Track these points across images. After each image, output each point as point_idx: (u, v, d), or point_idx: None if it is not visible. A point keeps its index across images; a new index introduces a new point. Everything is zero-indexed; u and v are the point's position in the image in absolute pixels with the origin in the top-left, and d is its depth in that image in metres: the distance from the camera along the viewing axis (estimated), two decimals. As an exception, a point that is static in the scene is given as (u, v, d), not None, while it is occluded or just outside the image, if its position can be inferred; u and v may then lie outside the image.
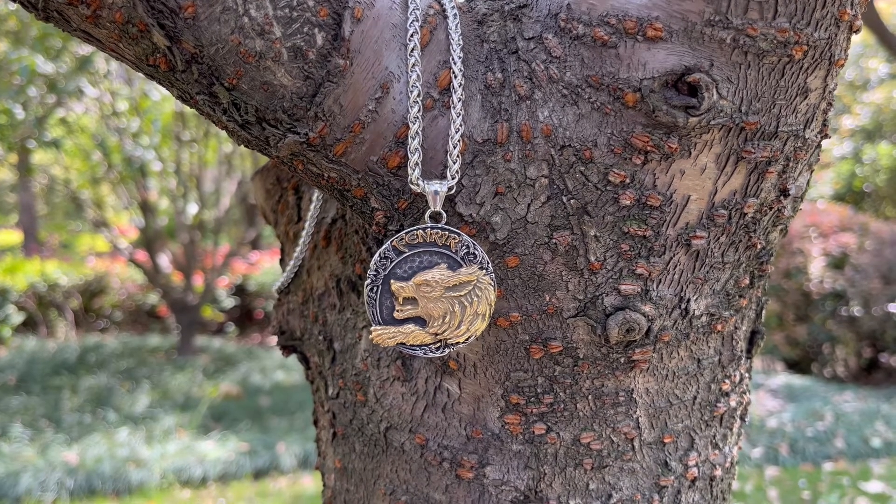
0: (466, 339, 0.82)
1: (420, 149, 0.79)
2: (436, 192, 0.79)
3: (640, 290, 0.86)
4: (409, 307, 0.81)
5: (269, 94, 0.77)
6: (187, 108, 9.00)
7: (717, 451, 1.02)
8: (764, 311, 1.03)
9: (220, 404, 7.32)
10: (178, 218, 8.99)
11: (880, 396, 6.95)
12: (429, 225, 0.80)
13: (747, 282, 0.94)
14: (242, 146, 0.88)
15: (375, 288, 0.81)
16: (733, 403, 1.02)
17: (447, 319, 0.81)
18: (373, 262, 0.81)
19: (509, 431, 0.94)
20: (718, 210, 0.85)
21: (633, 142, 0.80)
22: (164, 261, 9.24)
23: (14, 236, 12.07)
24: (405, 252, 0.81)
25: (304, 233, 1.11)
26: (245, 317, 10.84)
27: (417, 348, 0.82)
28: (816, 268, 7.64)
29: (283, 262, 1.24)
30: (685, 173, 0.82)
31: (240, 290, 10.66)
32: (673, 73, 0.77)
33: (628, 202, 0.82)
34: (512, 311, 0.87)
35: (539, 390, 0.92)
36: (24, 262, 10.52)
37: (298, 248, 1.13)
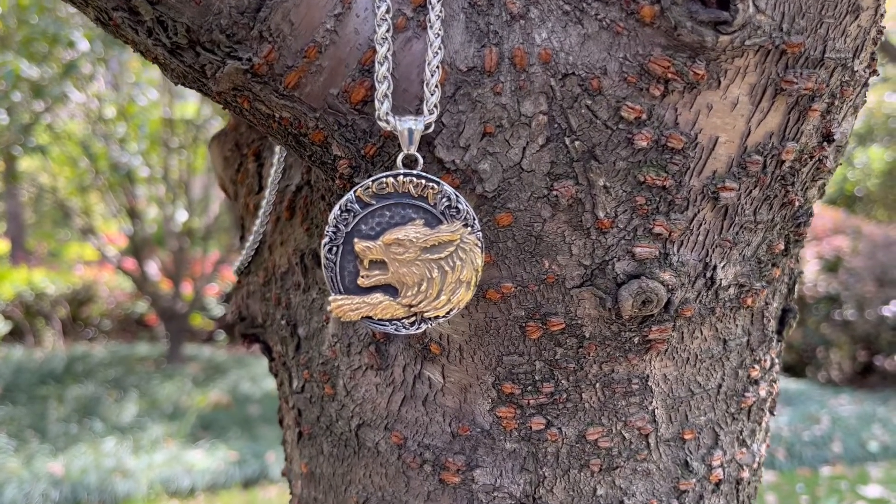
0: (447, 313, 0.67)
1: (390, 77, 0.65)
2: (410, 131, 0.64)
3: (658, 253, 0.72)
4: (376, 272, 0.66)
5: (202, 9, 0.63)
6: (176, 114, 8.85)
7: (744, 450, 0.88)
8: (797, 286, 0.88)
9: (210, 413, 7.16)
10: (166, 225, 8.84)
11: (876, 400, 6.84)
12: (401, 171, 0.65)
13: (782, 247, 0.79)
14: (179, 84, 0.73)
15: (335, 248, 0.66)
16: (763, 393, 0.87)
17: (423, 288, 0.66)
18: (332, 216, 0.66)
19: (502, 427, 0.79)
20: (752, 156, 0.70)
21: (651, 68, 0.65)
22: (153, 268, 9.08)
23: (1, 245, 11.90)
24: (372, 205, 0.66)
25: (264, 202, 0.97)
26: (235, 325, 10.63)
27: (387, 323, 0.67)
28: (810, 271, 7.52)
29: (243, 239, 1.09)
30: (713, 109, 0.67)
31: (229, 298, 10.46)
32: (699, -21, 0.62)
33: (645, 144, 0.67)
34: (504, 281, 0.72)
35: (537, 377, 0.77)
36: (10, 271, 10.34)
37: (258, 221, 0.98)
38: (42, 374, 8.38)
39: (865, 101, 0.78)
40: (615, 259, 0.71)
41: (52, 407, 7.32)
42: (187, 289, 9.27)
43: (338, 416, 0.88)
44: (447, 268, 0.66)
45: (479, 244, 0.66)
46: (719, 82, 0.66)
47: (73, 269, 11.26)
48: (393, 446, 0.84)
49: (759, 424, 0.89)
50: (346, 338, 0.87)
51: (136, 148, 7.92)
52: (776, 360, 0.88)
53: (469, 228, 0.66)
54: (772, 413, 0.92)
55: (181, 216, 9.06)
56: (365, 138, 0.68)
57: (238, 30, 0.63)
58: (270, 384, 8.52)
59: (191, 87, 0.72)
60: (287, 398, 0.98)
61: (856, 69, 0.72)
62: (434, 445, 0.82)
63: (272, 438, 6.39)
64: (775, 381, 0.90)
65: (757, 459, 0.90)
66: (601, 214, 0.69)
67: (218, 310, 10.22)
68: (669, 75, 0.65)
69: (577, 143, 0.67)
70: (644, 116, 0.66)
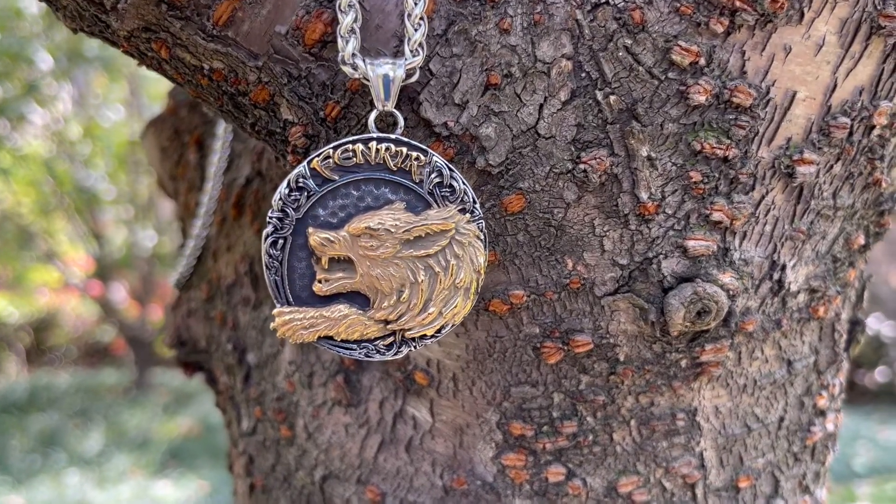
0: (438, 331, 0.49)
1: (357, 6, 0.47)
2: (386, 79, 0.46)
3: (716, 248, 0.54)
4: (339, 275, 0.48)
5: None
6: (143, 132, 8.66)
7: (807, 498, 0.70)
8: (866, 293, 0.71)
9: (179, 443, 6.89)
10: (134, 248, 8.58)
11: (859, 416, 6.73)
12: (374, 136, 0.47)
13: (861, 241, 0.62)
14: (77, 31, 0.54)
15: (280, 241, 0.48)
16: (830, 427, 0.70)
17: (405, 296, 0.48)
18: (276, 197, 0.48)
19: (509, 479, 0.61)
20: (837, 118, 0.53)
21: (713, -7, 0.48)
22: (120, 293, 8.80)
23: (-38, 271, 11.54)
24: (333, 181, 0.48)
25: (204, 199, 0.78)
26: (207, 350, 10.35)
27: (354, 346, 0.49)
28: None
29: (184, 246, 0.90)
30: (791, 52, 0.50)
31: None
32: None
33: (702, 99, 0.50)
34: (513, 288, 0.54)
35: (555, 414, 0.59)
36: (-29, 298, 9.99)
37: (199, 222, 0.79)
38: (4, 404, 8.06)
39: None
40: (661, 256, 0.54)
41: (14, 438, 7.01)
42: (156, 314, 9.00)
43: (298, 465, 0.69)
44: (437, 268, 0.47)
45: (481, 236, 0.48)
46: (802, 14, 0.49)
47: (36, 295, 10.92)
48: (368, 503, 0.65)
49: (823, 465, 0.72)
50: (306, 365, 0.68)
51: (102, 169, 7.69)
52: (843, 384, 0.71)
53: (467, 215, 0.48)
54: (833, 450, 0.75)
55: (149, 239, 8.82)
56: (325, 94, 0.50)
57: (145, -61, 0.45)
58: (242, 411, 8.23)
59: (91, 33, 0.54)
60: (236, 441, 0.78)
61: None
62: (421, 503, 0.63)
63: (243, 468, 6.14)
64: (839, 412, 0.73)
65: (820, 509, 0.72)
66: (644, 196, 0.52)
67: (188, 335, 9.91)
68: (738, 3, 0.48)
69: (611, 98, 0.50)
70: (702, 62, 0.49)
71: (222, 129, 0.75)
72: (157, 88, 8.22)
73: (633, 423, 0.60)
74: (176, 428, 7.38)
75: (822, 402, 0.67)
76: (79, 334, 10.36)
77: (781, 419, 0.65)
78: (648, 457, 0.61)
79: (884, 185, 0.60)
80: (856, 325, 0.70)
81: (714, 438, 0.62)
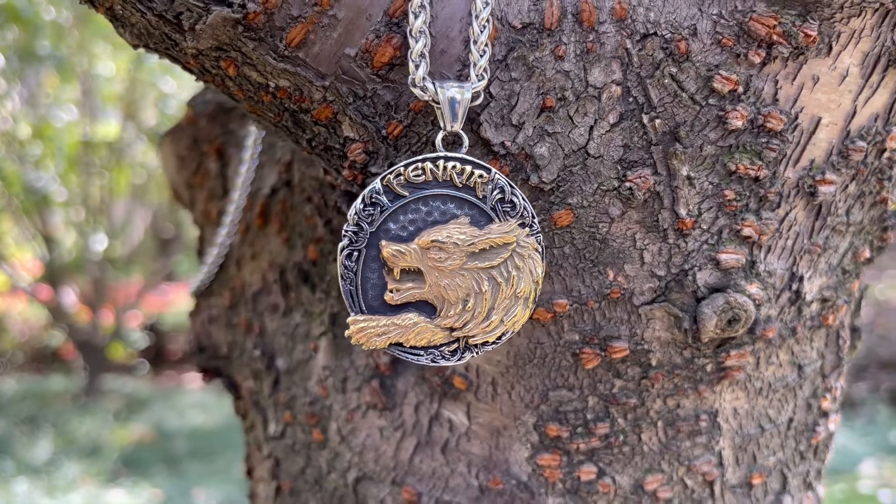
0: (499, 337, 0.52)
1: (427, 33, 0.50)
2: (453, 101, 0.49)
3: (745, 261, 0.58)
4: (409, 285, 0.51)
5: (180, -66, 0.47)
6: (97, 134, 8.49)
7: (810, 494, 0.75)
8: (863, 302, 0.77)
9: (132, 450, 6.75)
10: (85, 251, 8.39)
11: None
12: (442, 154, 0.50)
13: (867, 255, 0.67)
14: (139, 46, 0.56)
15: (355, 253, 0.50)
16: (832, 427, 0.75)
17: (470, 305, 0.51)
18: (352, 212, 0.50)
19: (543, 478, 0.64)
20: (855, 142, 0.58)
21: (752, 27, 0.52)
22: (70, 297, 8.60)
23: None
24: (404, 196, 0.50)
25: (231, 209, 0.80)
26: (159, 355, 10.20)
27: (421, 352, 0.52)
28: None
29: (202, 253, 0.92)
30: (819, 82, 0.55)
31: (153, 327, 10.06)
32: (818, -85, 0.50)
33: (739, 124, 0.54)
34: (557, 297, 0.58)
35: (589, 416, 0.62)
36: (-88, 302, 9.66)
37: (224, 231, 0.81)
38: (-53, 412, 7.80)
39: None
40: (696, 268, 0.58)
41: (-42, 447, 6.80)
42: (107, 318, 8.81)
43: (330, 468, 0.72)
44: (500, 279, 0.51)
45: (539, 249, 0.52)
46: (830, 48, 0.54)
47: (-18, 299, 10.59)
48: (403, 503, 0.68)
49: (823, 463, 0.76)
50: (340, 371, 0.71)
51: (53, 170, 7.52)
52: (843, 387, 0.76)
53: (527, 229, 0.51)
54: (831, 449, 0.80)
55: (101, 242, 8.64)
56: (388, 114, 0.53)
57: (229, -35, 0.48)
58: (197, 418, 8.15)
59: (155, 50, 0.56)
60: (260, 445, 0.80)
61: (963, 42, 0.60)
62: (457, 502, 0.66)
63: (199, 475, 6.06)
64: (838, 413, 0.78)
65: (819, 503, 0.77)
66: (683, 212, 0.56)
67: (141, 340, 9.77)
68: (775, 37, 0.52)
69: (657, 121, 0.54)
70: (740, 89, 0.53)
71: (251, 140, 0.77)
72: (110, 89, 8.07)
73: (660, 424, 0.64)
74: (128, 435, 7.24)
75: (826, 404, 0.72)
76: (26, 339, 10.08)
77: (791, 420, 0.70)
78: (672, 456, 0.65)
79: (890, 203, 0.65)
80: (854, 331, 0.76)
81: (732, 438, 0.66)
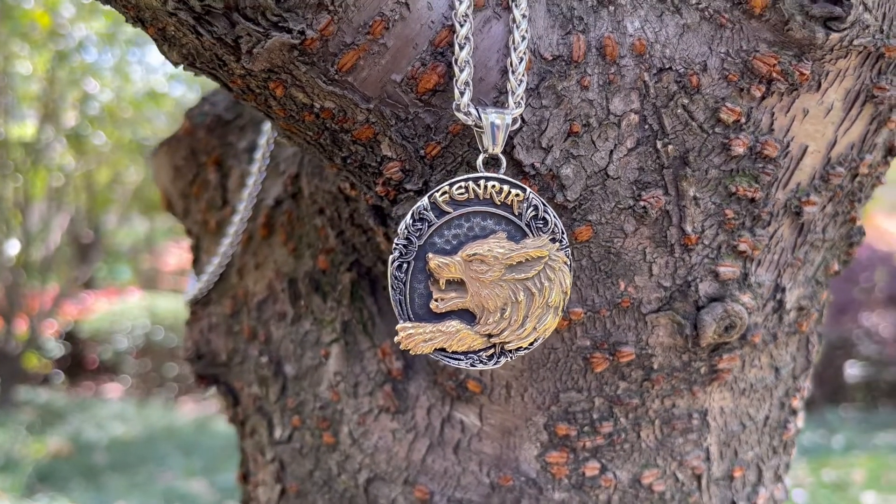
0: (532, 343, 0.57)
1: (470, 63, 0.54)
2: (494, 126, 0.54)
3: (740, 273, 0.65)
4: (452, 294, 0.55)
5: (248, -35, 0.50)
6: (12, 134, 8.15)
7: (779, 485, 0.82)
8: (825, 310, 0.84)
9: (48, 463, 6.50)
10: (-2, 256, 8.04)
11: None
12: (484, 175, 0.55)
13: (836, 268, 0.75)
14: (184, 65, 0.59)
15: (405, 266, 0.54)
16: (799, 424, 0.82)
17: (507, 313, 0.55)
18: (402, 227, 0.54)
19: (551, 475, 0.69)
20: (835, 167, 0.65)
21: (756, 65, 0.58)
22: (-19, 304, 8.22)
23: None
24: (449, 213, 0.54)
25: (236, 219, 0.82)
26: (76, 365, 9.84)
27: (461, 356, 0.56)
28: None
29: (197, 262, 0.93)
30: (808, 114, 0.62)
31: (70, 336, 9.70)
32: (814, -32, 0.56)
33: (741, 150, 0.60)
34: (574, 306, 0.63)
35: (595, 416, 0.67)
36: None
37: (228, 241, 0.83)
38: None
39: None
40: (698, 280, 0.63)
41: None
42: (21, 327, 8.45)
43: (340, 470, 0.75)
44: (534, 290, 0.55)
45: (569, 262, 0.56)
46: (819, 85, 0.60)
47: None
48: (415, 502, 0.71)
49: (790, 457, 0.84)
50: (351, 376, 0.74)
51: (-36, 171, 7.21)
52: (810, 388, 0.84)
53: (558, 244, 0.56)
54: (795, 445, 0.87)
55: (14, 247, 8.30)
56: (427, 135, 0.57)
57: (292, -6, 0.51)
58: (117, 429, 7.91)
59: (200, 70, 0.59)
60: (262, 449, 0.82)
61: (923, 81, 0.68)
62: (468, 500, 0.70)
63: (121, 488, 5.89)
64: (804, 411, 0.85)
65: (785, 495, 0.84)
66: (689, 229, 0.61)
67: (57, 349, 9.40)
68: (774, 74, 0.58)
69: (669, 147, 0.59)
70: (742, 120, 0.60)
71: (259, 154, 0.80)
72: (25, 89, 7.78)
73: (657, 422, 0.69)
74: (44, 448, 6.97)
75: (796, 403, 0.80)
76: (-70, 349, 9.56)
77: (767, 417, 0.77)
78: (667, 452, 0.71)
79: (856, 221, 0.72)
80: (819, 337, 0.83)
81: (718, 435, 0.73)
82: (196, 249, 0.93)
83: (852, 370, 7.22)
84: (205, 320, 0.88)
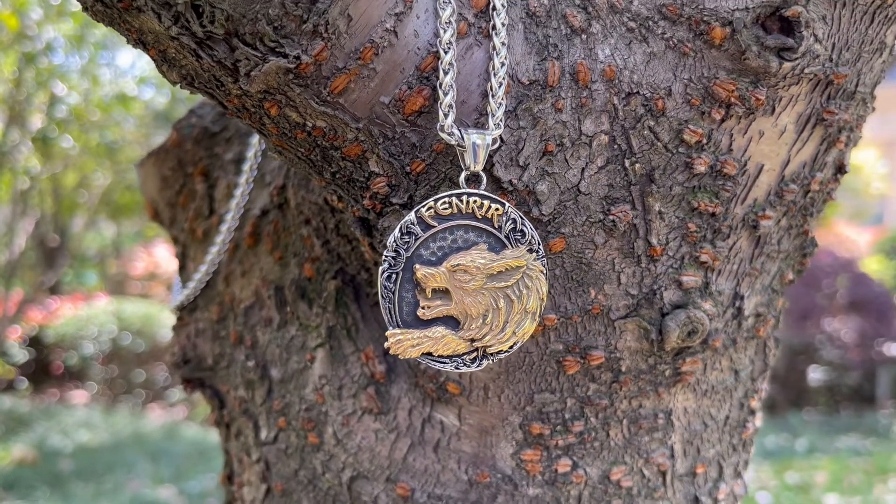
0: (511, 347, 0.61)
1: (454, 87, 0.58)
2: (475, 146, 0.58)
3: (701, 282, 0.70)
4: (438, 302, 0.59)
5: (249, -5, 0.53)
6: (-24, 137, 8.02)
7: (738, 482, 0.87)
8: (782, 316, 0.90)
9: (12, 471, 6.41)
10: (-39, 260, 7.93)
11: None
12: (466, 191, 0.59)
13: (790, 277, 0.80)
14: (182, 85, 0.62)
15: (395, 276, 0.58)
16: (757, 423, 0.87)
17: (489, 319, 0.59)
18: (391, 240, 0.58)
19: (525, 472, 0.73)
20: (788, 184, 0.70)
21: (716, 91, 0.63)
22: (-57, 309, 8.09)
23: None
24: (433, 227, 0.59)
25: (223, 228, 0.85)
26: (41, 371, 9.70)
27: (447, 360, 0.60)
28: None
29: (183, 269, 0.96)
30: (764, 136, 0.67)
31: (35, 342, 9.56)
32: (769, 4, 0.61)
33: (703, 169, 0.65)
34: (547, 313, 0.67)
35: (567, 416, 0.72)
36: None
37: (215, 249, 0.86)
38: None
39: (860, 138, 0.81)
40: (662, 288, 0.68)
41: None
42: (-16, 332, 8.32)
43: (325, 469, 0.78)
44: (513, 297, 0.59)
45: (545, 271, 0.61)
46: (773, 109, 0.65)
47: None
48: (397, 499, 0.75)
49: (749, 455, 0.89)
50: (336, 379, 0.78)
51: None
52: (766, 390, 0.89)
53: (535, 254, 0.60)
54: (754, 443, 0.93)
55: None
56: (413, 153, 0.61)
57: (288, 22, 0.55)
58: (83, 437, 7.82)
59: (197, 89, 0.62)
60: (248, 450, 0.86)
61: (868, 104, 0.74)
62: (447, 496, 0.74)
63: (87, 496, 5.83)
64: (761, 411, 0.91)
65: (744, 491, 0.90)
66: (654, 241, 0.66)
67: (21, 355, 9.27)
68: (732, 99, 0.63)
69: (636, 165, 0.64)
70: (704, 141, 0.65)
71: (247, 165, 0.83)
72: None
73: (625, 422, 0.74)
74: (8, 455, 6.87)
75: (754, 404, 0.85)
76: None
77: (727, 417, 0.82)
78: (634, 449, 0.75)
79: (809, 234, 0.78)
80: (776, 341, 0.89)
81: (682, 434, 0.78)
82: (182, 257, 0.96)
83: (815, 375, 7.37)
84: (192, 325, 0.91)
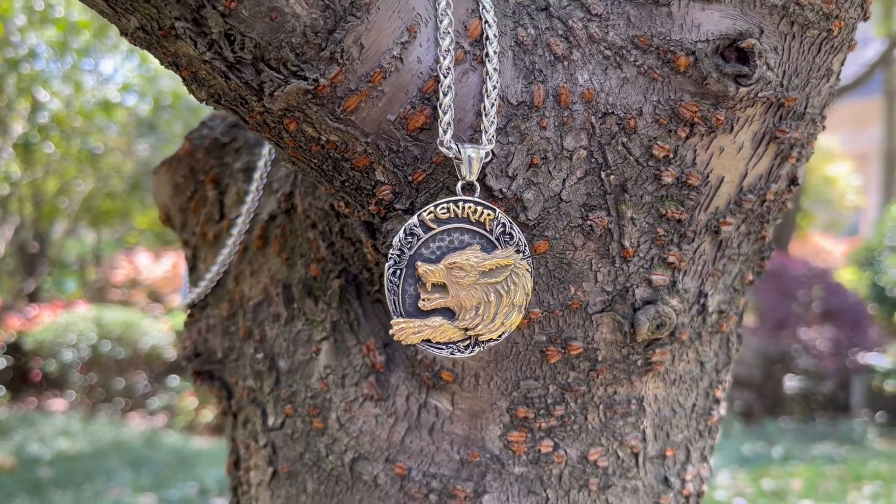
0: (500, 336, 0.69)
1: (452, 107, 0.67)
2: (471, 159, 0.66)
3: (669, 281, 0.78)
4: (437, 296, 0.67)
5: (275, 26, 0.61)
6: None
7: (705, 465, 0.96)
8: (743, 315, 0.99)
9: (-8, 479, 6.37)
10: (-59, 266, 7.90)
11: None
12: (462, 198, 0.67)
13: (750, 278, 0.89)
14: (209, 102, 0.70)
15: (399, 272, 0.66)
16: (722, 412, 0.96)
17: (481, 311, 0.67)
18: (396, 240, 0.66)
19: (512, 452, 0.81)
20: (746, 195, 0.79)
21: (681, 111, 0.72)
22: (-79, 316, 8.04)
23: None
24: (434, 229, 0.67)
25: (235, 231, 0.93)
26: (19, 378, 9.64)
27: (443, 346, 0.68)
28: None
29: (193, 270, 1.03)
30: (724, 151, 0.75)
31: (13, 349, 9.51)
32: (727, 36, 0.70)
33: (670, 180, 0.74)
34: (532, 307, 0.75)
35: (549, 401, 0.80)
36: None
37: (226, 251, 0.94)
38: None
39: (812, 153, 0.90)
40: (634, 286, 0.77)
41: None
42: (-37, 338, 8.28)
43: (328, 451, 0.86)
44: (502, 292, 0.68)
45: (530, 269, 0.69)
46: (732, 128, 0.74)
47: None
48: (395, 478, 0.83)
49: (714, 441, 0.98)
50: (339, 369, 0.85)
51: None
52: (730, 380, 0.98)
53: (521, 254, 0.68)
54: (719, 430, 1.01)
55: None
56: (415, 165, 0.69)
57: (308, 49, 0.63)
58: (62, 444, 7.78)
59: (221, 106, 0.70)
60: (256, 436, 0.93)
61: (817, 124, 0.83)
62: (441, 474, 0.82)
63: None
64: (725, 400, 0.99)
65: (710, 474, 0.98)
66: (627, 244, 0.75)
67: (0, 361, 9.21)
68: (696, 119, 0.72)
69: (611, 177, 0.73)
70: (671, 155, 0.73)
71: (258, 174, 0.91)
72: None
73: (601, 407, 0.82)
74: (-14, 463, 6.82)
75: (719, 394, 0.93)
76: None
77: (694, 405, 0.90)
78: (609, 433, 0.83)
79: (766, 239, 0.86)
80: (738, 337, 0.97)
81: (653, 419, 0.86)
82: (193, 258, 1.03)
83: (791, 383, 7.50)
84: (202, 322, 0.98)
